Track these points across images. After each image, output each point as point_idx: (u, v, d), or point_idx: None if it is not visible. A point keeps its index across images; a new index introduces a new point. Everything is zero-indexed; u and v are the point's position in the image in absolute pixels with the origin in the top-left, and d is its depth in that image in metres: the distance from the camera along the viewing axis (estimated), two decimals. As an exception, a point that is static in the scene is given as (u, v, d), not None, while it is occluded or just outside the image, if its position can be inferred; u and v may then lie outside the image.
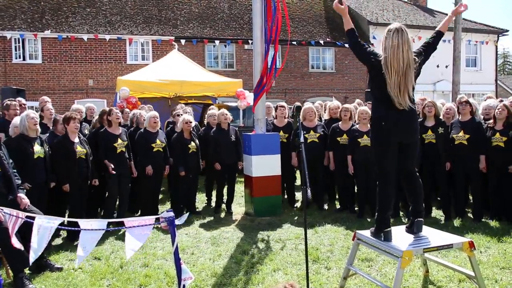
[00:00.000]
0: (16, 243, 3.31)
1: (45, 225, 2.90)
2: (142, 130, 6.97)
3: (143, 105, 9.50)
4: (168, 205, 7.73)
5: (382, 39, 3.69)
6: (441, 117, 6.63)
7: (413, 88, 3.67)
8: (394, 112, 3.64)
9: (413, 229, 3.81)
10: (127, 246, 2.98)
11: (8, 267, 4.40)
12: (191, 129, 7.18)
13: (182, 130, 7.03)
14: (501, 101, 7.33)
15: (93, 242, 2.91)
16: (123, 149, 6.45)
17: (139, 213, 7.06)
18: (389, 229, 3.72)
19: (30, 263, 4.02)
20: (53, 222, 2.93)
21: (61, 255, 5.22)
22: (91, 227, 2.90)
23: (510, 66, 55.34)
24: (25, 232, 3.47)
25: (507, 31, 25.09)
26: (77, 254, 2.92)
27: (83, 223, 2.94)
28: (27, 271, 4.46)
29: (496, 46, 25.56)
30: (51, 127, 6.50)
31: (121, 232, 5.86)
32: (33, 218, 3.01)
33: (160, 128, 7.27)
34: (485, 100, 7.30)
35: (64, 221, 3.06)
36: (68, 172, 5.67)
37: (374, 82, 3.75)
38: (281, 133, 7.48)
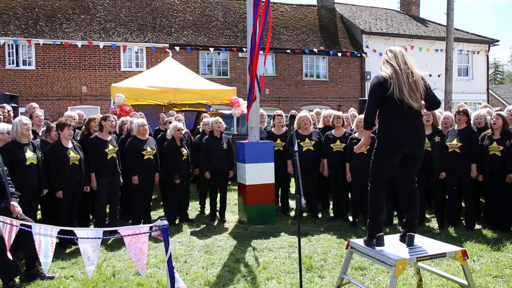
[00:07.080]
0: (9, 254, 3.29)
1: (44, 238, 2.89)
2: (131, 137, 6.90)
3: (135, 112, 9.46)
4: (160, 213, 7.69)
5: (386, 57, 3.80)
6: (439, 126, 6.67)
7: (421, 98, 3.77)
8: (404, 123, 3.71)
9: (405, 240, 3.82)
10: (134, 260, 2.98)
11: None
12: (182, 136, 7.17)
13: (174, 137, 7.02)
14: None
15: (94, 251, 2.91)
16: (114, 155, 6.37)
17: (130, 222, 6.99)
18: (381, 233, 3.73)
19: (46, 273, 3.99)
20: (50, 232, 2.91)
21: (53, 263, 5.13)
22: (87, 235, 2.88)
23: (501, 75, 55.89)
24: (15, 240, 3.43)
25: (498, 41, 25.42)
26: (86, 267, 2.96)
27: (79, 231, 2.93)
28: (17, 279, 4.41)
29: (488, 56, 25.85)
30: (40, 133, 6.43)
31: (110, 241, 5.82)
32: (27, 226, 2.99)
33: (151, 135, 7.24)
34: (482, 109, 7.36)
35: (60, 229, 3.04)
36: (60, 178, 5.63)
37: (386, 99, 3.73)
38: (279, 141, 7.48)
